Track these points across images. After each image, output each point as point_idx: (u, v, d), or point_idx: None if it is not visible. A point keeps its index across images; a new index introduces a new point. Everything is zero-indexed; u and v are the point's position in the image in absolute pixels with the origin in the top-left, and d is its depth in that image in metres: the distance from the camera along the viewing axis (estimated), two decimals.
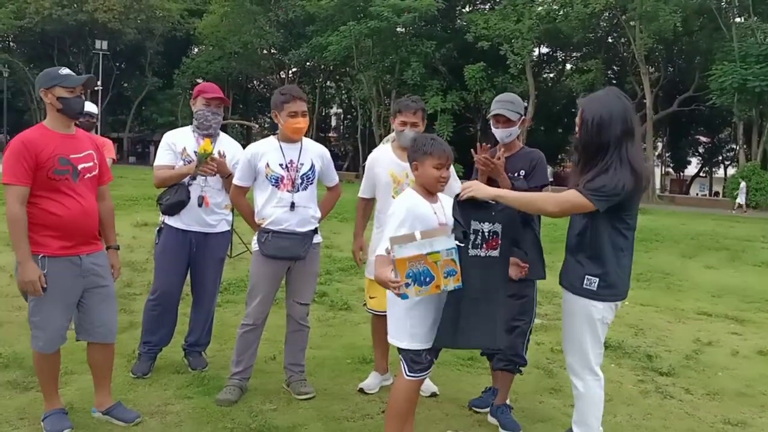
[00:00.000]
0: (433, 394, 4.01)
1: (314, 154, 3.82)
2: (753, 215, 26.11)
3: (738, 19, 31.94)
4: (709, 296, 7.69)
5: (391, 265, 2.62)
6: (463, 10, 41.96)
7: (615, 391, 4.12)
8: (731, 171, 43.64)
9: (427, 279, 2.60)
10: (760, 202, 29.73)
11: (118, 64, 47.51)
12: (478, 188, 2.80)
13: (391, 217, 2.86)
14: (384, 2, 33.48)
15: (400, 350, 2.88)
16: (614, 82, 41.17)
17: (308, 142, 3.84)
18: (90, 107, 6.37)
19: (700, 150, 51.05)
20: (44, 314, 3.08)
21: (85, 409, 3.46)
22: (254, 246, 3.77)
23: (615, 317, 6.33)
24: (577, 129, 2.91)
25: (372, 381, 4.00)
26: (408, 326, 2.84)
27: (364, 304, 4.19)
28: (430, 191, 2.89)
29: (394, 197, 3.77)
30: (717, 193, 44.77)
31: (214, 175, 3.90)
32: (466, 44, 35.33)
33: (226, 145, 4.12)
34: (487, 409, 3.75)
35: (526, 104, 36.80)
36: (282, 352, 4.17)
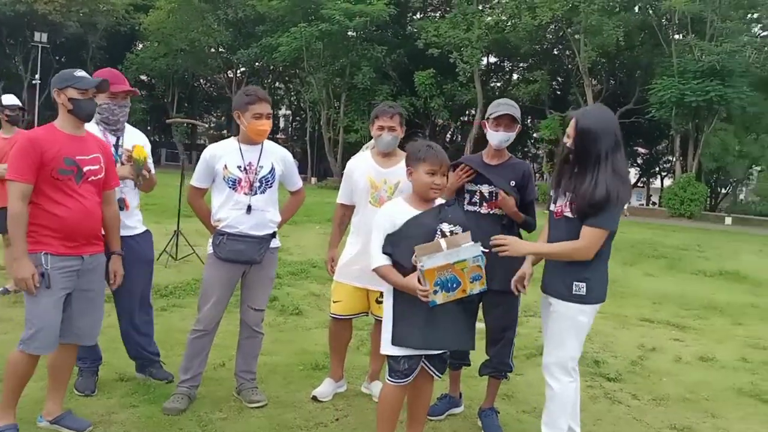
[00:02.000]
0: None
1: (275, 157, 3.73)
2: (688, 224, 27.09)
3: (677, 36, 33.17)
4: (651, 303, 7.91)
5: (417, 273, 2.71)
6: (414, 16, 42.24)
7: None
8: (668, 182, 45.25)
9: (454, 285, 2.72)
10: (694, 212, 30.89)
11: (57, 58, 45.74)
12: (514, 246, 2.93)
13: (375, 225, 2.91)
14: (335, 5, 33.39)
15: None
16: (559, 93, 42.23)
17: (270, 145, 3.75)
18: (11, 99, 6.04)
19: (639, 161, 52.76)
20: (42, 314, 2.99)
21: (26, 419, 3.26)
22: (209, 249, 3.66)
23: None
24: (568, 140, 3.02)
25: (326, 388, 3.93)
26: (389, 331, 2.86)
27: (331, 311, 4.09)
28: (424, 198, 2.92)
29: (371, 203, 3.76)
30: (654, 203, 46.30)
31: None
32: (417, 51, 35.55)
33: (134, 138, 3.80)
34: (441, 417, 3.74)
35: (474, 112, 37.33)
36: (232, 358, 4.06)
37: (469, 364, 3.82)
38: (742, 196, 38.40)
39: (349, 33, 36.66)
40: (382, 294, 3.78)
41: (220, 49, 45.02)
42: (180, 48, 42.09)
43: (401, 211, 2.88)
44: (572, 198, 2.94)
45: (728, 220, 29.98)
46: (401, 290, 2.80)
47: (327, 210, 14.10)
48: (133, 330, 3.89)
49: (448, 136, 45.24)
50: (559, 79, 43.21)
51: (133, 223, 3.75)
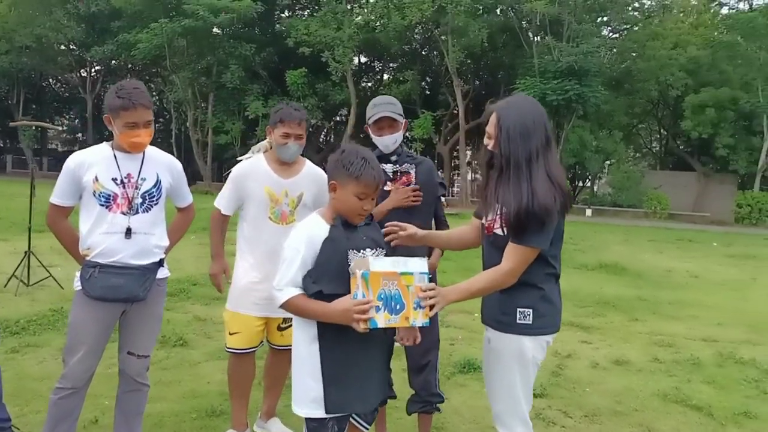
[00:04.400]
0: None
1: (161, 166, 3.00)
2: None
3: (537, 38, 34.76)
4: None
5: (349, 291, 2.14)
6: (282, 14, 41.15)
7: None
8: None
9: (398, 306, 2.13)
10: None
11: None
12: (444, 299, 2.27)
13: (287, 249, 2.24)
14: (199, 1, 31.72)
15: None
16: (429, 92, 42.98)
17: (153, 152, 3.00)
18: None
19: None
20: None
21: None
22: (76, 285, 2.87)
23: (471, 332, 6.14)
24: (489, 141, 2.46)
25: None
26: (310, 389, 2.24)
27: (226, 346, 3.43)
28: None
29: (271, 219, 3.21)
30: None
31: None
32: (287, 49, 34.58)
33: None
34: None
35: (347, 112, 37.05)
36: (106, 411, 3.32)
37: (395, 397, 3.35)
38: (595, 188, 40.93)
39: (215, 30, 35.05)
40: (284, 320, 3.31)
41: (71, 46, 41.44)
42: (25, 45, 38.23)
43: (323, 234, 2.25)
44: (503, 211, 2.40)
45: (588, 212, 31.75)
46: (325, 322, 2.19)
47: (201, 217, 13.06)
48: None
49: (322, 136, 44.71)
50: (428, 79, 44.05)
51: None
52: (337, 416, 2.27)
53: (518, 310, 2.42)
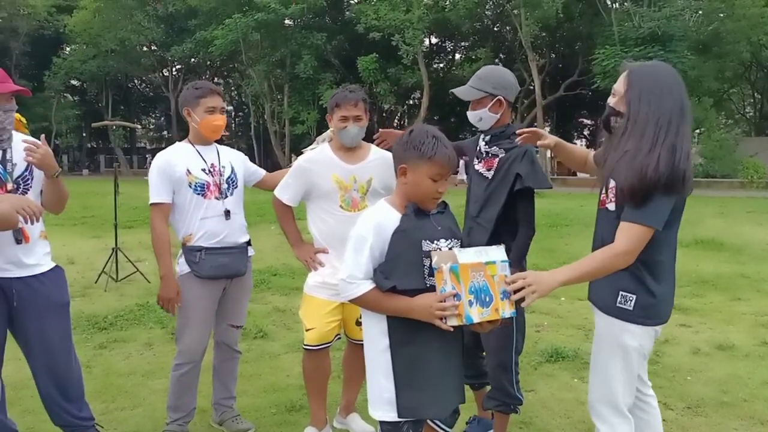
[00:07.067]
0: None
1: (231, 157, 3.35)
2: None
3: (615, 5, 33.21)
4: None
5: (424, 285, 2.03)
6: (352, 1, 41.22)
7: None
8: None
9: (487, 299, 1.98)
10: None
11: None
12: (540, 285, 2.02)
13: (353, 239, 2.08)
14: None
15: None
16: None
17: (220, 146, 3.33)
18: None
19: (585, 132, 53.25)
20: None
21: None
22: (182, 268, 3.13)
23: (558, 317, 5.84)
24: (612, 98, 2.30)
25: None
26: (384, 389, 2.09)
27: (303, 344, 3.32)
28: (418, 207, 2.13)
29: (342, 207, 3.11)
30: None
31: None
32: (358, 35, 34.59)
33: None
34: None
35: (420, 95, 36.61)
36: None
37: (521, 402, 3.13)
38: None
39: (287, 21, 35.46)
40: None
41: (152, 47, 43.15)
42: (110, 48, 40.04)
43: (393, 223, 2.07)
44: (614, 184, 2.21)
45: None
46: (394, 316, 2.03)
47: None
48: (54, 392, 3.00)
49: (396, 121, 44.60)
50: (502, 56, 43.04)
51: (35, 259, 2.80)
52: (414, 420, 2.12)
53: (620, 293, 2.24)
